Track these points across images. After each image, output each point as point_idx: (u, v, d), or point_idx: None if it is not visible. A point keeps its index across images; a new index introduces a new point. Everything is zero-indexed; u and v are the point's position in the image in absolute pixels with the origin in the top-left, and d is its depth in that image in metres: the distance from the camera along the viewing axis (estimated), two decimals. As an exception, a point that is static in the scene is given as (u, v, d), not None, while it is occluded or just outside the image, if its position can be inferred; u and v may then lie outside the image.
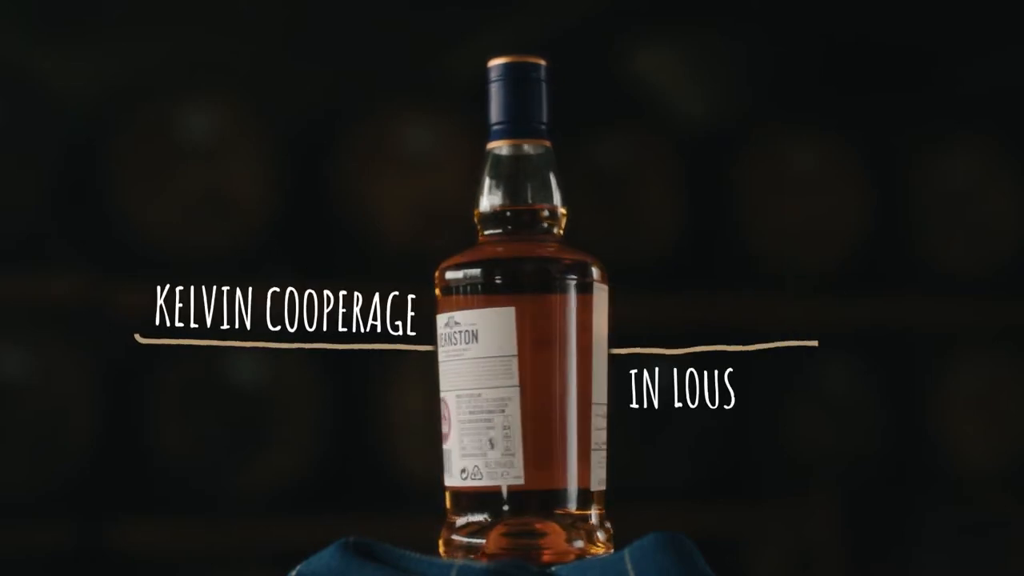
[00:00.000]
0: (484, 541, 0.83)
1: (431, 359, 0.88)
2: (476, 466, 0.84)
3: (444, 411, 0.86)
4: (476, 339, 0.85)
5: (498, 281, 0.84)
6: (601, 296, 0.87)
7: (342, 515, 1.89)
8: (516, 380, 0.84)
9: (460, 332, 0.85)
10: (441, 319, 0.86)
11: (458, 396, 0.85)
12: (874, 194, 2.08)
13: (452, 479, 0.85)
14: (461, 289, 0.85)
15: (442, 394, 0.86)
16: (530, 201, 0.87)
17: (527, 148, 0.87)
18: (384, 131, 1.92)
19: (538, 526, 0.83)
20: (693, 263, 2.03)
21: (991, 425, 2.09)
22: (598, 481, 0.86)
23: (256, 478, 1.86)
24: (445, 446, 0.86)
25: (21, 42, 1.90)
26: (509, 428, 0.84)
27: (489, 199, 0.87)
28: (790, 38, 2.17)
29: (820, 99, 2.15)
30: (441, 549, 0.85)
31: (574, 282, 0.85)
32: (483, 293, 0.85)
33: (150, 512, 1.84)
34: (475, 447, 0.84)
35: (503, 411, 0.84)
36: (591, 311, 0.86)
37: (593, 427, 0.85)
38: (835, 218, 2.07)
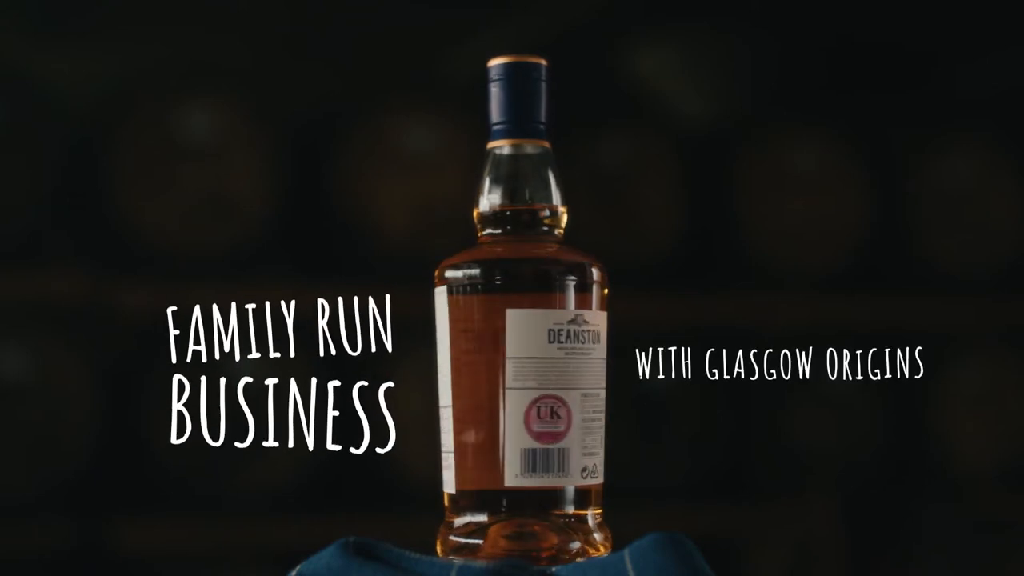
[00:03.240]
0: (482, 541, 0.83)
1: (431, 360, 0.87)
2: (595, 464, 0.85)
3: (554, 410, 0.85)
4: (599, 339, 0.85)
5: (497, 281, 0.84)
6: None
7: (342, 515, 1.89)
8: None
9: (587, 331, 0.85)
10: (564, 314, 0.85)
11: (584, 395, 0.85)
12: (874, 194, 2.08)
13: (569, 478, 0.85)
14: (469, 289, 0.85)
15: (553, 392, 0.85)
16: (530, 201, 0.86)
17: (527, 148, 0.86)
18: (384, 131, 1.92)
19: (535, 527, 0.83)
20: (693, 263, 2.03)
21: (991, 425, 2.09)
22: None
23: (256, 478, 1.86)
24: (557, 444, 0.85)
25: (21, 42, 1.90)
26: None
27: (489, 199, 0.87)
28: (790, 39, 2.17)
29: (821, 99, 2.15)
30: (439, 549, 0.85)
31: (573, 282, 0.85)
32: (483, 293, 0.84)
33: (150, 512, 1.84)
34: (596, 445, 0.85)
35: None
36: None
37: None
38: (835, 218, 2.07)
